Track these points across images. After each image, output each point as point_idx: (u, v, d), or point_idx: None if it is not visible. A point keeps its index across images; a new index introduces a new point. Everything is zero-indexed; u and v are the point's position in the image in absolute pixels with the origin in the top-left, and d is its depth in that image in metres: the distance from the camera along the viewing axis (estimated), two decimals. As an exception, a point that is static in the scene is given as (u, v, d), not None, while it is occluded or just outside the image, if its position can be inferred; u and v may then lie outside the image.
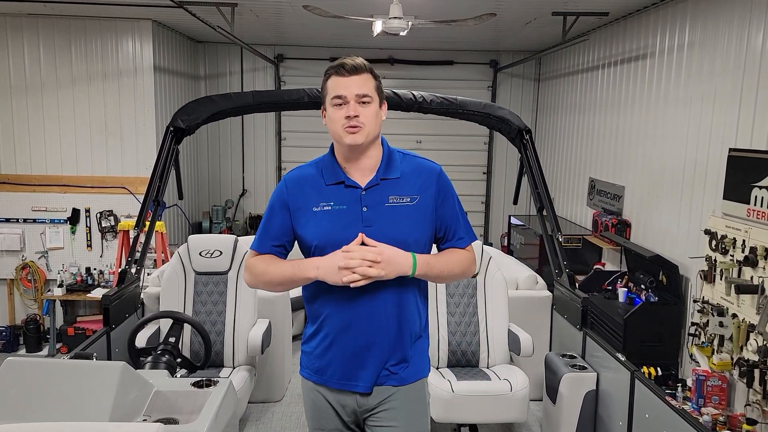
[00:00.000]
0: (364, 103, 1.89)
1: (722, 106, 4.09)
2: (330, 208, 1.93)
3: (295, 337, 5.32)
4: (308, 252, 1.98)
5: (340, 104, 1.89)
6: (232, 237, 3.90)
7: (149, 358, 2.96)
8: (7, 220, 6.47)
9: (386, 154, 2.00)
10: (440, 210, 1.99)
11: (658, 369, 4.22)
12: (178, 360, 3.02)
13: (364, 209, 1.92)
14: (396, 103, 3.82)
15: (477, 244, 3.78)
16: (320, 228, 1.93)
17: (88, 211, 6.54)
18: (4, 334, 6.55)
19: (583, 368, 3.39)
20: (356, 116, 1.87)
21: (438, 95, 3.92)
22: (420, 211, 1.95)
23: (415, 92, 3.89)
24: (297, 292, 4.99)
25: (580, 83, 6.89)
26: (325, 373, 2.03)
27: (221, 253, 3.82)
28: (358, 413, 2.04)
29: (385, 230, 1.90)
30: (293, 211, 1.98)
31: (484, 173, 8.63)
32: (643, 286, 4.74)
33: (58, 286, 6.36)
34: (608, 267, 5.81)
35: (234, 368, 3.70)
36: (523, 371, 3.51)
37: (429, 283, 2.07)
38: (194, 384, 2.58)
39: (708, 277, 4.02)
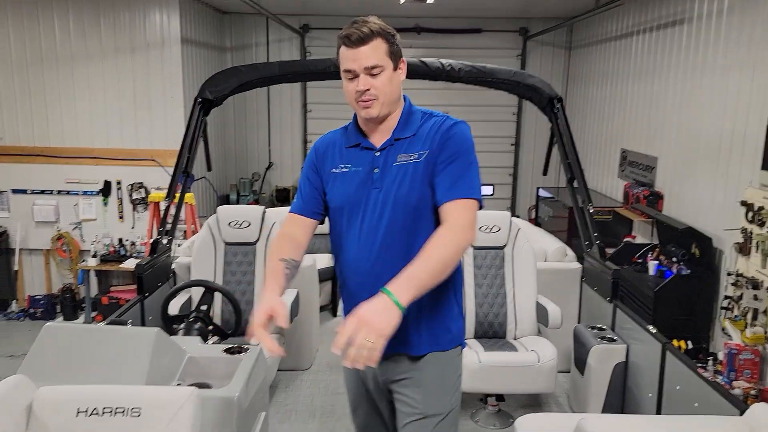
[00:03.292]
0: (374, 74, 1.81)
1: (762, 73, 3.94)
2: (347, 170, 1.93)
3: (322, 308, 5.38)
4: (330, 212, 1.99)
5: (351, 78, 1.84)
6: (261, 208, 3.92)
7: (182, 325, 3.03)
8: (42, 192, 6.62)
9: (405, 113, 1.94)
10: (437, 160, 1.84)
11: (689, 342, 4.17)
12: (210, 327, 3.09)
13: (376, 171, 1.89)
14: (423, 72, 3.76)
15: (496, 215, 3.74)
16: (338, 190, 1.94)
17: (119, 183, 6.64)
18: (42, 302, 6.76)
19: (612, 340, 3.36)
20: (367, 90, 1.81)
21: (466, 63, 3.85)
22: (425, 166, 1.85)
23: (443, 60, 3.83)
24: (324, 263, 5.02)
25: (613, 51, 6.70)
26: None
27: (250, 224, 3.85)
28: (379, 381, 2.01)
29: (390, 191, 1.86)
30: (321, 174, 2.00)
31: (512, 144, 8.51)
32: (674, 259, 4.65)
33: (92, 257, 6.51)
34: (639, 240, 5.71)
35: (263, 337, 3.76)
36: (552, 343, 3.49)
37: None
38: (226, 350, 2.64)
39: (743, 249, 3.92)
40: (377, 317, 1.55)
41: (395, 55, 1.86)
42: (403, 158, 1.88)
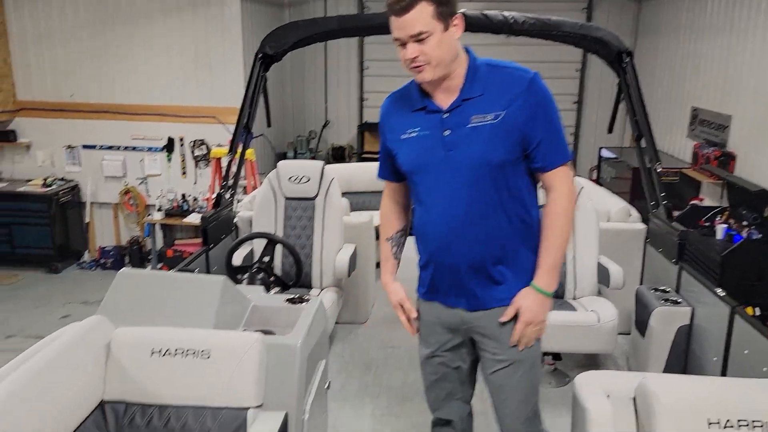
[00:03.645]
0: (421, 40, 1.79)
1: None
2: (416, 134, 1.94)
3: (378, 264, 5.44)
4: (406, 176, 2.04)
5: (400, 45, 1.84)
6: (320, 163, 3.96)
7: (246, 275, 3.13)
8: (110, 148, 6.88)
9: (470, 71, 1.90)
10: (527, 125, 1.86)
11: (757, 309, 4.01)
12: (272, 278, 3.18)
13: (446, 133, 1.89)
14: (485, 25, 3.66)
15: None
16: (408, 155, 1.97)
17: (182, 140, 6.83)
18: (111, 253, 7.11)
19: (676, 302, 3.27)
20: (416, 57, 1.81)
21: (530, 15, 3.71)
22: (504, 128, 1.85)
23: (505, 12, 3.70)
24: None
25: (687, 3, 6.31)
26: (428, 291, 2.10)
27: (309, 179, 3.90)
28: (461, 330, 2.08)
29: (467, 153, 1.87)
30: (391, 141, 2.03)
31: (574, 103, 8.23)
32: (745, 223, 4.44)
33: (158, 211, 6.77)
34: (706, 202, 5.48)
35: (322, 289, 3.85)
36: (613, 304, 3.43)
37: (521, 202, 1.95)
38: (288, 300, 2.72)
39: (823, 213, 3.71)
40: (537, 313, 1.93)
41: (444, 16, 1.80)
42: (478, 119, 1.86)
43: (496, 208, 1.90)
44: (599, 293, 3.64)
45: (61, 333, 2.07)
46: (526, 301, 1.93)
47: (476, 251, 1.93)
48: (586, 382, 2.12)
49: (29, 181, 6.83)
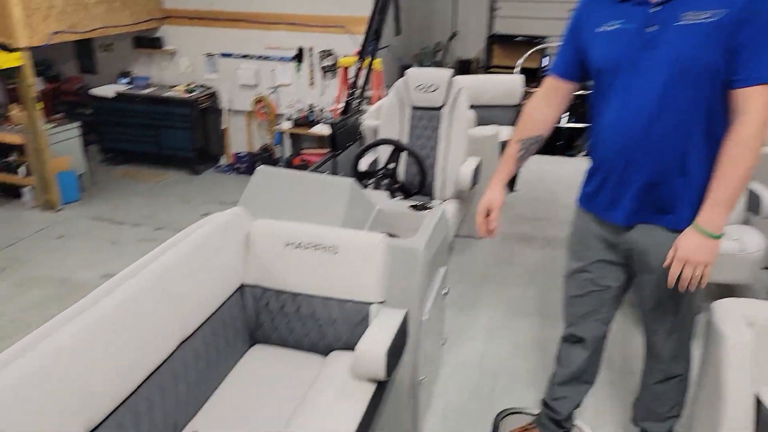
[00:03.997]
0: None
1: None
2: (616, 27, 1.75)
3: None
4: (593, 74, 1.86)
5: None
6: (449, 72, 3.86)
7: (371, 181, 3.20)
8: (245, 57, 7.15)
9: None
10: (739, 27, 1.58)
11: None
12: (396, 185, 3.23)
13: (651, 29, 1.68)
14: None
15: None
16: (603, 49, 1.79)
17: (311, 50, 6.92)
18: (244, 159, 7.56)
19: (839, 238, 2.93)
20: None
21: None
22: (721, 29, 1.59)
23: None
24: (506, 136, 4.92)
25: None
26: (591, 201, 1.98)
27: (437, 88, 3.83)
28: (619, 248, 1.97)
29: (671, 53, 1.65)
30: (584, 33, 1.85)
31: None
32: None
33: (287, 120, 7.03)
34: None
35: (444, 201, 3.87)
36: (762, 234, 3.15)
37: (716, 120, 1.71)
38: (411, 207, 2.76)
39: None
40: (695, 255, 1.69)
41: None
42: (691, 17, 1.62)
43: (687, 121, 1.70)
44: (747, 222, 3.35)
45: (207, 221, 2.26)
46: (683, 239, 1.72)
47: (652, 165, 1.76)
48: (725, 308, 2.00)
49: (173, 86, 7.32)
